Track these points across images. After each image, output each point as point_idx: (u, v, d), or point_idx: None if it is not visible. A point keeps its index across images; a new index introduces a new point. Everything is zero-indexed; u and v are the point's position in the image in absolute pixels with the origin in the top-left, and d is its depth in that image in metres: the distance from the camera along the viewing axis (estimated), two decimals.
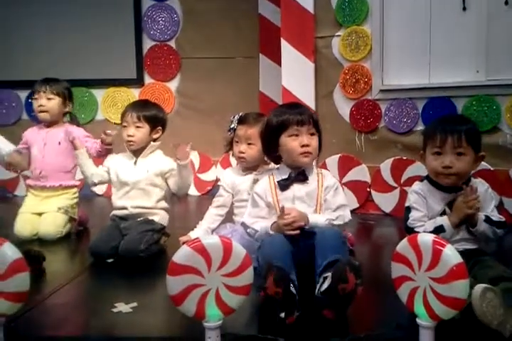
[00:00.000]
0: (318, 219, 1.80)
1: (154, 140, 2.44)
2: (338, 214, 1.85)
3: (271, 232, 1.79)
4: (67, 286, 1.90)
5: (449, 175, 1.74)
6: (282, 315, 1.47)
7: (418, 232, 1.72)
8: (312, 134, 1.87)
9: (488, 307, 1.37)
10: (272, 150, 1.93)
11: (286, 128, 1.86)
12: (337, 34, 3.28)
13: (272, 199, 1.87)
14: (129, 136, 2.37)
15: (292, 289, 1.50)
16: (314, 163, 1.97)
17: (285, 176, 1.89)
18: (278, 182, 1.88)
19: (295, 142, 1.85)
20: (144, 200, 2.38)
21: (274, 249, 1.66)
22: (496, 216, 1.77)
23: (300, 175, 1.88)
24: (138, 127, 2.37)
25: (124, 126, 2.39)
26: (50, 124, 2.82)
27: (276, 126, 1.88)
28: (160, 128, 2.45)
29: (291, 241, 1.76)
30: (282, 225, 1.75)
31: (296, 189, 1.87)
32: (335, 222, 1.82)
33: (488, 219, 1.73)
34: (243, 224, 1.91)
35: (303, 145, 1.84)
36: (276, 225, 1.78)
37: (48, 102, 2.76)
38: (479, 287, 1.39)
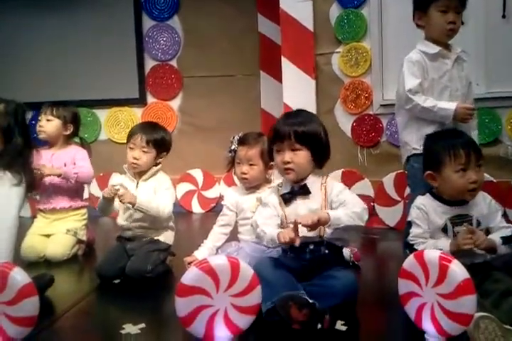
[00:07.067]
0: (338, 213, 1.74)
1: (157, 164, 2.45)
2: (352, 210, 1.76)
3: (277, 242, 1.74)
4: (74, 308, 1.90)
5: (475, 189, 1.76)
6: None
7: (416, 249, 1.73)
8: (295, 149, 1.81)
9: (486, 335, 1.36)
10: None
11: (273, 143, 1.87)
12: (337, 51, 3.32)
13: (282, 213, 1.85)
14: (134, 158, 2.37)
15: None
16: (319, 175, 1.89)
17: (287, 190, 1.88)
18: (281, 195, 1.86)
19: (278, 158, 1.85)
20: (148, 220, 2.38)
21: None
22: (505, 226, 1.79)
23: (301, 189, 1.84)
24: (145, 151, 2.38)
25: (131, 148, 2.40)
26: (51, 145, 2.86)
27: (268, 138, 1.91)
28: (165, 153, 2.46)
29: (296, 257, 1.79)
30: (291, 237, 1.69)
31: (300, 205, 1.83)
32: (355, 209, 1.75)
33: (505, 241, 1.72)
34: (254, 223, 1.88)
35: (283, 162, 1.82)
36: (288, 238, 1.70)
37: (46, 123, 2.82)
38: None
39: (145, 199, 2.28)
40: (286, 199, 1.85)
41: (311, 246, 1.81)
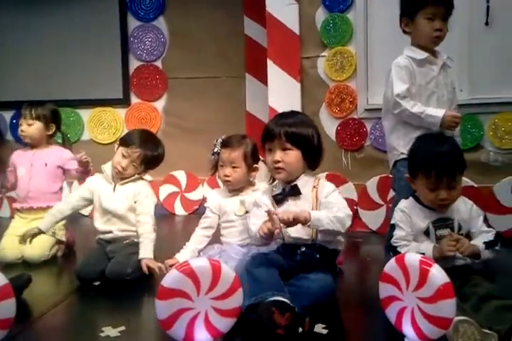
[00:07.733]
0: (320, 214, 1.76)
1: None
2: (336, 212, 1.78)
3: (258, 237, 1.77)
4: (53, 310, 1.87)
5: (445, 205, 1.78)
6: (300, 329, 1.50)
7: (399, 252, 1.75)
8: (286, 149, 1.85)
9: (465, 339, 1.36)
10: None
11: (265, 142, 1.90)
12: (322, 54, 3.33)
13: None
14: (122, 167, 2.34)
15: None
16: (311, 176, 1.93)
17: (279, 191, 1.90)
18: (273, 196, 1.89)
19: (269, 157, 1.88)
20: (127, 224, 2.36)
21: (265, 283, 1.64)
22: (485, 230, 1.81)
23: (292, 190, 1.86)
24: (135, 166, 2.35)
25: (124, 156, 2.34)
26: (34, 146, 2.83)
27: (261, 137, 1.92)
28: (152, 169, 2.45)
29: (287, 257, 1.80)
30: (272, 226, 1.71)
31: (292, 206, 1.85)
32: (338, 214, 1.76)
33: (488, 246, 1.74)
34: (248, 224, 1.92)
35: (274, 161, 1.85)
36: (265, 228, 1.73)
37: (28, 128, 2.78)
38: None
39: (148, 242, 2.27)
40: (278, 200, 1.88)
41: (303, 249, 1.82)
